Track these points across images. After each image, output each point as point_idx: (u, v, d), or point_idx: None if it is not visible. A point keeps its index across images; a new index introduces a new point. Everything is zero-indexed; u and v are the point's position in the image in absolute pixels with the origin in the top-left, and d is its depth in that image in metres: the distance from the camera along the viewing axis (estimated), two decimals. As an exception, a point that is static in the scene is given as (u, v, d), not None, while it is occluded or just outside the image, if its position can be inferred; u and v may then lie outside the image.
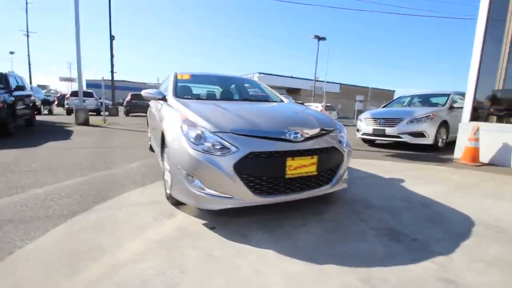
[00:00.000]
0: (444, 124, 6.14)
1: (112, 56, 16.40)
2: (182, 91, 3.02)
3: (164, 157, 2.50)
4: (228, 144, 1.83)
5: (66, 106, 14.82)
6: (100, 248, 1.63)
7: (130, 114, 16.75)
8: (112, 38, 17.49)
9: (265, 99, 3.37)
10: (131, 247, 1.66)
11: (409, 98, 8.15)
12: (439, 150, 6.05)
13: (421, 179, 3.52)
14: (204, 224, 1.99)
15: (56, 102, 22.06)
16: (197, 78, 3.51)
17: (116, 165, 3.72)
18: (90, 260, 1.50)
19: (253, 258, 1.58)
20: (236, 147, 1.82)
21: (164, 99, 2.88)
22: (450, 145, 6.14)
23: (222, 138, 1.86)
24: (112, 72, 16.63)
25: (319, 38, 28.56)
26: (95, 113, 14.44)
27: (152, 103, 4.29)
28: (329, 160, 2.14)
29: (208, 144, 1.86)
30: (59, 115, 14.49)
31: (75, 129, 7.92)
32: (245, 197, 1.83)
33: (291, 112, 2.65)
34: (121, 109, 18.98)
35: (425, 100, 7.65)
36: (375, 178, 3.50)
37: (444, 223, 2.17)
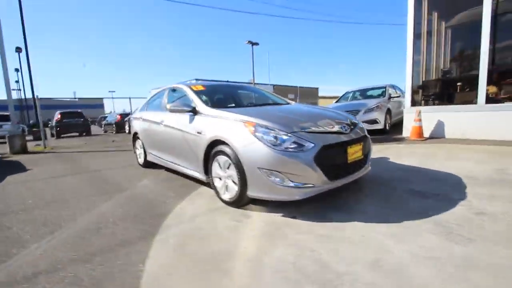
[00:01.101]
0: (388, 111, 7.54)
1: (29, 71, 13.94)
2: (213, 102, 3.11)
3: (213, 167, 2.62)
4: (303, 141, 2.14)
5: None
6: (230, 252, 1.75)
7: (62, 136, 14.56)
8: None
9: (281, 102, 3.67)
10: (252, 245, 1.82)
11: (352, 92, 9.58)
12: (387, 133, 7.41)
13: (396, 155, 4.42)
14: (284, 216, 2.24)
15: None
16: (212, 88, 3.60)
17: (127, 185, 3.50)
18: (247, 260, 1.63)
19: (349, 229, 1.94)
20: (312, 143, 2.14)
21: (194, 111, 2.94)
22: (393, 127, 7.66)
23: (298, 137, 2.15)
24: (32, 89, 14.14)
25: (253, 44, 30.08)
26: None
27: (145, 120, 4.14)
28: (366, 146, 2.65)
29: (286, 144, 2.12)
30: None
31: (18, 158, 6.63)
32: (323, 183, 2.17)
33: (320, 110, 3.06)
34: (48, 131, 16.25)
35: (365, 93, 9.13)
36: (366, 160, 4.24)
37: (442, 180, 2.93)
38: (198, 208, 2.58)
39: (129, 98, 11.23)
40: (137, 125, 4.54)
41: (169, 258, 1.72)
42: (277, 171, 2.10)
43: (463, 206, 2.23)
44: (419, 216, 2.08)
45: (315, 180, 2.13)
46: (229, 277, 1.48)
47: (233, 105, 3.37)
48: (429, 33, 6.48)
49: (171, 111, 3.06)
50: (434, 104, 6.16)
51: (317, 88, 56.45)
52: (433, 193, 2.57)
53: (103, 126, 18.80)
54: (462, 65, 6.80)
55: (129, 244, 1.93)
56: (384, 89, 8.60)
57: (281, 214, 2.28)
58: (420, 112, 5.81)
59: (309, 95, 44.96)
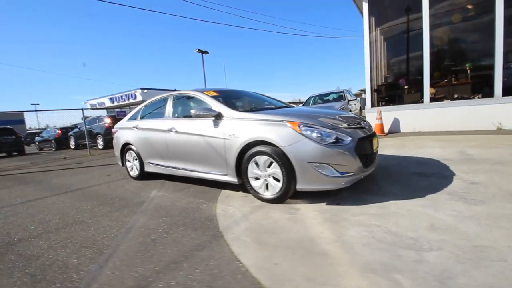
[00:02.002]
0: (350, 112, 8.53)
1: None
2: (235, 106, 3.17)
3: (249, 167, 2.72)
4: (342, 136, 2.44)
5: None
6: (312, 238, 1.90)
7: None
8: None
9: (288, 105, 3.91)
10: (324, 230, 2.01)
11: (313, 97, 10.49)
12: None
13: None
14: (328, 204, 2.49)
15: None
16: (225, 94, 3.63)
17: (139, 198, 3.27)
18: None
19: (393, 207, 2.29)
20: (350, 137, 2.45)
21: (219, 116, 2.98)
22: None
23: (338, 132, 2.44)
24: None
25: (202, 52, 29.87)
26: None
27: (143, 129, 3.93)
28: (377, 139, 3.09)
29: (330, 139, 2.39)
30: None
31: None
32: (361, 171, 2.49)
33: (333, 110, 3.42)
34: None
35: (327, 97, 10.12)
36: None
37: (428, 163, 3.58)
38: (240, 208, 2.63)
39: (82, 109, 9.99)
40: (129, 136, 4.24)
41: (259, 251, 1.80)
42: (326, 163, 2.34)
43: (458, 180, 2.82)
44: (433, 190, 2.57)
45: (355, 169, 2.44)
46: (331, 256, 1.65)
47: (254, 108, 3.49)
48: (379, 47, 7.62)
49: (196, 116, 3.03)
50: (387, 105, 7.25)
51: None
52: (430, 173, 3.14)
53: (37, 143, 16.19)
54: (408, 71, 8.14)
55: (203, 247, 1.92)
56: (341, 94, 9.68)
57: (325, 203, 2.52)
58: (380, 111, 6.78)
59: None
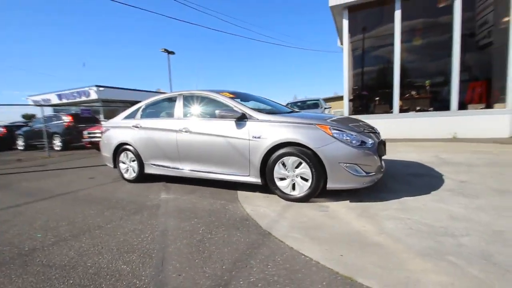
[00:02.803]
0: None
1: None
2: (255, 108, 3.21)
3: (276, 168, 2.81)
4: (365, 139, 2.69)
5: None
6: (358, 232, 2.06)
7: None
8: None
9: (292, 109, 4.07)
10: (363, 224, 2.19)
11: (290, 103, 10.94)
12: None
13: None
14: (352, 201, 2.70)
15: None
16: (240, 96, 3.63)
17: (150, 202, 3.10)
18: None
19: (410, 202, 2.59)
20: (371, 140, 2.71)
21: (243, 117, 3.01)
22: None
23: (362, 136, 2.68)
24: None
25: (168, 52, 28.71)
26: None
27: (147, 129, 3.74)
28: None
29: (356, 142, 2.61)
30: None
31: None
32: (379, 171, 2.76)
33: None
34: None
35: (303, 104, 10.64)
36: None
37: (413, 166, 4.06)
38: (270, 208, 2.69)
39: (41, 105, 8.80)
40: (126, 135, 3.97)
41: (315, 245, 1.89)
42: (355, 164, 2.56)
43: (448, 179, 3.29)
44: (434, 188, 2.96)
45: (376, 168, 2.71)
46: (385, 246, 1.83)
47: (271, 111, 3.58)
48: (354, 61, 8.34)
49: (221, 117, 3.01)
50: (361, 114, 7.96)
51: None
52: (421, 174, 3.59)
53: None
54: (378, 84, 9.00)
55: (258, 245, 1.95)
56: (317, 102, 10.30)
57: (348, 201, 2.73)
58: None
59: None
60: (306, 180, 2.71)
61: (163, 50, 28.47)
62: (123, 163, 4.11)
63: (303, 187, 2.73)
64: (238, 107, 3.13)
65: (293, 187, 2.80)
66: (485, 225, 2.05)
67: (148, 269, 1.71)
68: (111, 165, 4.28)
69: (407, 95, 7.81)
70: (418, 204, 2.54)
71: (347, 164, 2.55)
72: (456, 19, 6.45)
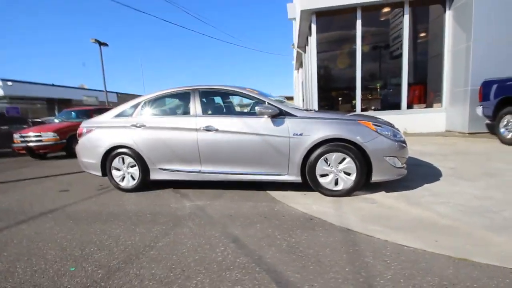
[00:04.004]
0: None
1: None
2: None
3: (318, 164, 2.83)
4: (398, 133, 2.94)
5: None
6: (419, 218, 2.23)
7: None
8: None
9: (306, 108, 4.12)
10: (416, 211, 2.39)
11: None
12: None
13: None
14: (387, 192, 2.91)
15: None
16: (260, 92, 3.46)
17: (176, 209, 2.71)
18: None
19: (433, 188, 2.94)
20: (400, 134, 2.98)
21: (280, 114, 2.91)
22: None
23: (395, 130, 2.92)
24: None
25: (100, 43, 24.96)
26: None
27: (156, 128, 3.26)
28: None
29: (394, 136, 2.83)
30: None
31: None
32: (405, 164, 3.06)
33: None
34: None
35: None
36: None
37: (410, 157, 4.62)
38: (320, 204, 2.68)
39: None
40: (123, 136, 3.35)
41: (400, 234, 1.98)
42: (395, 156, 2.77)
43: (441, 167, 3.83)
44: (438, 175, 3.42)
45: (406, 160, 2.99)
46: (457, 227, 2.04)
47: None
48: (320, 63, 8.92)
49: (261, 114, 2.83)
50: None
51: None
52: (417, 164, 4.11)
53: None
54: (341, 85, 9.79)
55: (352, 243, 1.93)
56: (282, 100, 10.62)
57: (384, 191, 2.94)
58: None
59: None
60: (349, 174, 2.80)
61: (94, 40, 24.90)
62: (118, 169, 3.46)
63: (347, 182, 2.81)
64: (274, 103, 3.01)
65: (336, 183, 2.85)
66: (508, 200, 2.49)
67: (270, 285, 1.51)
68: (97, 173, 3.55)
69: (363, 96, 8.78)
70: (442, 189, 2.91)
71: (389, 157, 2.74)
72: (405, 33, 7.57)
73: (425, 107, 8.06)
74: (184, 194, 3.27)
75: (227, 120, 3.10)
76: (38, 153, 7.30)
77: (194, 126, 3.13)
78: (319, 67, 8.47)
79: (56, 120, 8.70)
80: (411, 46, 7.76)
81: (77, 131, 3.69)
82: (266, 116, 2.94)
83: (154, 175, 3.36)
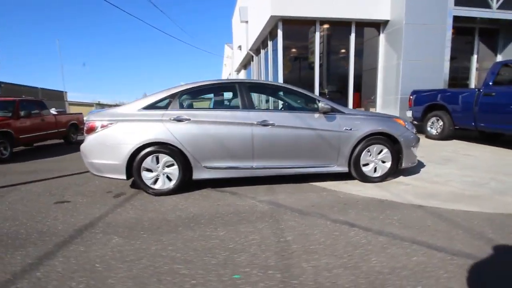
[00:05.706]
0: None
1: None
2: None
3: (362, 155, 3.26)
4: (413, 128, 3.66)
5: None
6: (459, 193, 2.92)
7: None
8: None
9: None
10: (457, 189, 3.11)
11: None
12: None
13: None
14: (405, 176, 3.60)
15: None
16: None
17: (246, 212, 2.61)
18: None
19: (435, 177, 3.82)
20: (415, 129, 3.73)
21: (332, 110, 3.19)
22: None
23: (413, 126, 3.63)
24: None
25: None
26: None
27: (204, 123, 3.02)
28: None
29: (414, 130, 3.53)
30: None
31: None
32: (414, 153, 3.83)
33: None
34: None
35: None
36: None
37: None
38: (371, 190, 3.10)
39: None
40: (163, 132, 2.91)
41: (467, 205, 2.60)
42: (415, 147, 3.47)
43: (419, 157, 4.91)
44: (429, 161, 4.41)
45: (417, 151, 3.76)
46: (484, 197, 2.82)
47: None
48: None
49: (324, 111, 3.05)
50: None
51: (65, 92, 46.77)
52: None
53: None
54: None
55: (444, 218, 2.41)
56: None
57: (402, 176, 3.61)
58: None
59: (55, 98, 36.09)
60: (383, 163, 3.34)
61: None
62: (149, 170, 2.96)
63: (384, 169, 3.34)
64: (326, 101, 3.26)
65: (375, 170, 3.34)
66: (482, 176, 3.52)
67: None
68: (119, 176, 2.95)
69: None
70: (442, 171, 3.77)
71: (413, 148, 3.42)
72: (351, 48, 9.01)
73: (364, 110, 9.79)
74: (233, 192, 3.11)
75: (282, 115, 3.16)
76: None
77: (249, 121, 3.04)
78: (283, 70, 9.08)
79: None
80: (352, 60, 9.28)
81: (86, 126, 2.93)
82: (318, 112, 3.16)
83: (198, 175, 3.06)
